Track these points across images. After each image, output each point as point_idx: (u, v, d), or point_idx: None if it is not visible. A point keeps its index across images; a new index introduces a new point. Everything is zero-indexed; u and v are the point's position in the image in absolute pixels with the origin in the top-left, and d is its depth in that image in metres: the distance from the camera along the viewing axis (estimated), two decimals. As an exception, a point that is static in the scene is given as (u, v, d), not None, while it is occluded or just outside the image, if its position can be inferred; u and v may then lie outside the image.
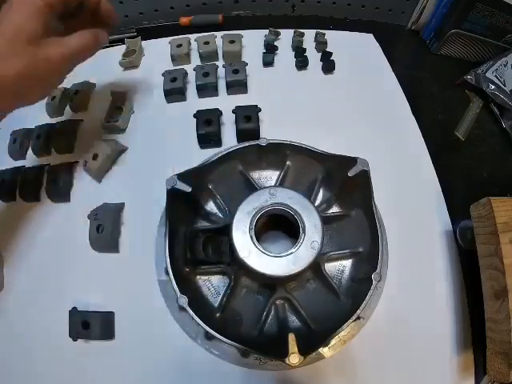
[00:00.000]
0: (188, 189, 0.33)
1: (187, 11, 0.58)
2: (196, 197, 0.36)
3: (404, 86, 0.49)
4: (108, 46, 0.55)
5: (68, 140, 0.43)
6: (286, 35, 0.54)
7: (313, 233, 0.30)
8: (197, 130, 0.42)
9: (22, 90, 0.30)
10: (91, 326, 0.32)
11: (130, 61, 0.50)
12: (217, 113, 0.43)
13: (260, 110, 0.43)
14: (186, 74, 0.48)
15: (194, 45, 0.52)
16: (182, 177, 0.33)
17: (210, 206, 0.38)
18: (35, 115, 0.46)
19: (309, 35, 0.54)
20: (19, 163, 0.43)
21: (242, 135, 0.42)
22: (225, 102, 0.45)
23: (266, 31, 0.54)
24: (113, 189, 0.41)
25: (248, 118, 0.42)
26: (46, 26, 0.31)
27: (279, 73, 0.51)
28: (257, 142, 0.36)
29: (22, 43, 0.29)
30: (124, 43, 0.53)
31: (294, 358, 0.25)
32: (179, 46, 0.51)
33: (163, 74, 0.47)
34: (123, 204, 0.39)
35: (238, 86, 0.47)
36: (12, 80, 0.29)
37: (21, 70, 0.29)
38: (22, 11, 0.30)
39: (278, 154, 0.38)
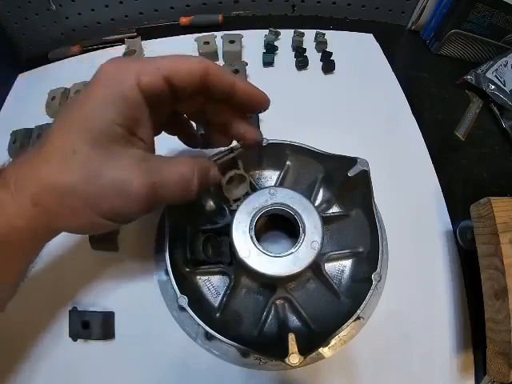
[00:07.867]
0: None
1: (187, 11, 0.58)
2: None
3: (404, 86, 0.49)
4: (108, 46, 0.55)
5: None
6: (286, 35, 0.54)
7: (313, 233, 0.30)
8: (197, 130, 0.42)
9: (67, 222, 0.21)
10: (91, 325, 0.32)
11: (130, 61, 0.50)
12: (217, 113, 0.43)
13: (260, 110, 0.43)
14: (186, 73, 0.48)
15: (194, 45, 0.52)
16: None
17: (210, 206, 0.38)
18: (35, 115, 0.46)
19: (309, 35, 0.54)
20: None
21: (242, 135, 0.42)
22: (225, 102, 0.45)
23: (266, 31, 0.54)
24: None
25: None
26: (130, 124, 0.20)
27: (279, 73, 0.51)
28: (257, 142, 0.36)
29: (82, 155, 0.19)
30: (124, 43, 0.53)
31: (294, 358, 0.25)
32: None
33: (163, 74, 0.47)
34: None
35: (238, 85, 0.47)
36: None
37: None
38: (99, 95, 0.20)
39: (278, 153, 0.38)
